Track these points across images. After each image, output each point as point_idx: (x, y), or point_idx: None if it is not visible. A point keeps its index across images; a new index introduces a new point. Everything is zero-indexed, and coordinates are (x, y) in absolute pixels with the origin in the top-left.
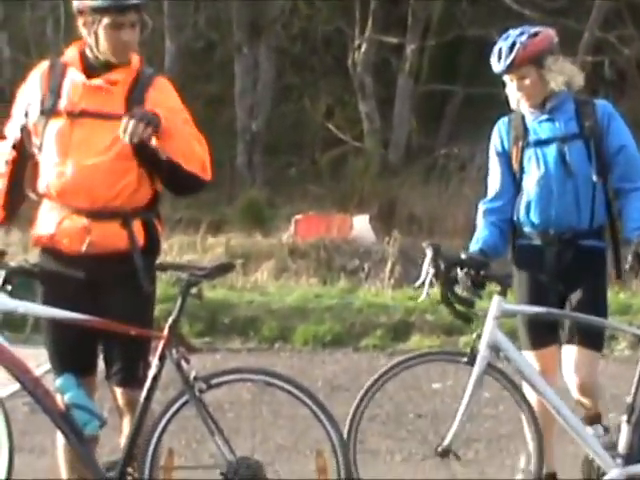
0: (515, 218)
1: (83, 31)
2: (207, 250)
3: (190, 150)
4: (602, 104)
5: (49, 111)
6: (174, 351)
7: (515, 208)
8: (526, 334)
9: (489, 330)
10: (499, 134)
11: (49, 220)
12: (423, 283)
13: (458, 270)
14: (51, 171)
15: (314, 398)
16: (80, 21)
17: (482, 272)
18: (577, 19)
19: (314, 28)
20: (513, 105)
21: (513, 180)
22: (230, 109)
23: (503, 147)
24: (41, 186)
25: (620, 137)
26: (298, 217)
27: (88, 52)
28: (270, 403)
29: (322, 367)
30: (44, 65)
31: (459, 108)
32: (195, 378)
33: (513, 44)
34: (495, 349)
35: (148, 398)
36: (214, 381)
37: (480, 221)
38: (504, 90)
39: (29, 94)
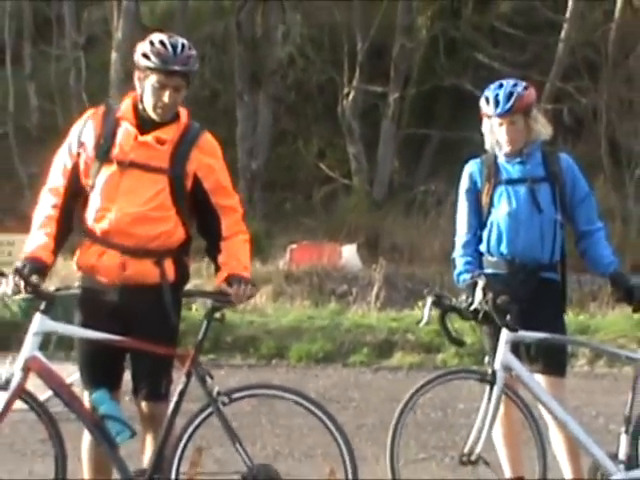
0: (484, 249)
1: (137, 84)
2: (211, 276)
3: (236, 217)
4: (565, 156)
5: (102, 157)
6: (199, 369)
7: (484, 240)
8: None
9: (502, 353)
10: (471, 172)
11: (91, 252)
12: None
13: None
14: (98, 213)
15: (324, 410)
16: (136, 74)
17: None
18: (540, 71)
19: (307, 79)
20: (488, 146)
21: (480, 216)
22: (232, 150)
23: (475, 184)
24: (87, 222)
25: (584, 186)
26: (293, 246)
27: (140, 105)
28: (268, 414)
29: (315, 381)
30: (100, 111)
31: (436, 150)
32: (218, 393)
33: (511, 93)
34: (507, 369)
35: (175, 411)
36: (235, 395)
37: (461, 253)
38: (476, 134)
39: (84, 135)
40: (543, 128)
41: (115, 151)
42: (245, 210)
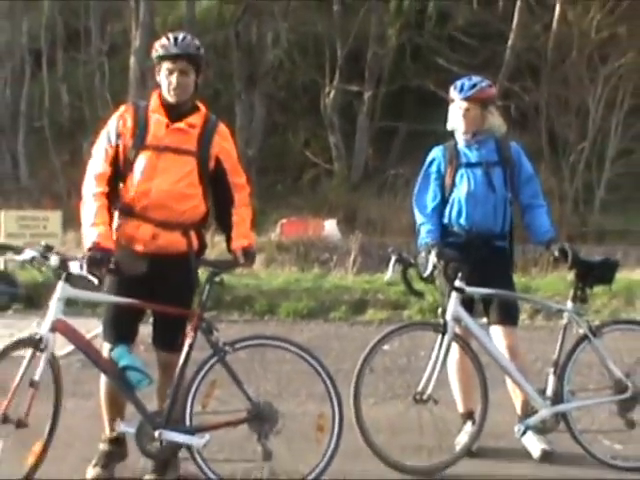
0: (446, 221)
1: (157, 79)
2: (215, 245)
3: (245, 193)
4: (514, 144)
5: (139, 145)
6: (205, 323)
7: (446, 214)
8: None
9: (452, 307)
10: (436, 157)
11: (129, 226)
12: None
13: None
14: (138, 191)
15: (314, 357)
16: (156, 69)
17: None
18: (491, 73)
19: (295, 80)
20: (449, 126)
21: (443, 193)
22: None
23: (439, 166)
24: (125, 200)
25: (529, 168)
26: (283, 221)
27: (164, 99)
28: (260, 361)
29: (300, 334)
30: (129, 107)
31: (404, 140)
32: (223, 343)
33: (474, 84)
34: (457, 321)
35: (186, 360)
36: (237, 345)
37: (424, 222)
38: (438, 126)
39: (120, 127)
40: (499, 124)
41: (150, 138)
42: None
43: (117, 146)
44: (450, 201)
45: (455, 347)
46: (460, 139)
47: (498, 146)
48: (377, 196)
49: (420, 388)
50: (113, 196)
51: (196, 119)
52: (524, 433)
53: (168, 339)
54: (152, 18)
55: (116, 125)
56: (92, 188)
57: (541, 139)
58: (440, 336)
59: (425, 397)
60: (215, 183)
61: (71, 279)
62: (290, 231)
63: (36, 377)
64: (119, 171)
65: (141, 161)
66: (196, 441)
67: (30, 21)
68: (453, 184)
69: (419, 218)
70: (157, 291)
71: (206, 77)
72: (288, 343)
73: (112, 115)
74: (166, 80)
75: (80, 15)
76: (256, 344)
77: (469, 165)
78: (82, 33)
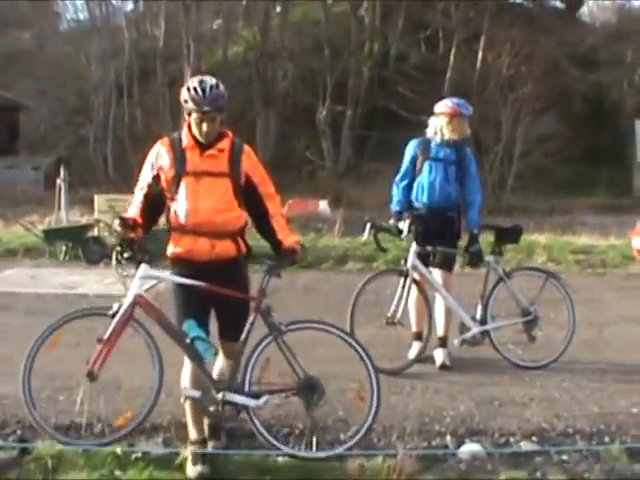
0: (413, 197)
1: (186, 117)
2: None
3: (276, 201)
4: (468, 149)
5: (180, 172)
6: (264, 307)
7: (414, 191)
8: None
9: (411, 258)
10: (413, 147)
11: (185, 242)
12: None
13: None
14: (187, 211)
15: (361, 345)
16: (184, 110)
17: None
18: (435, 98)
19: (298, 102)
20: (431, 133)
21: (413, 175)
22: (255, 145)
23: (413, 155)
24: (178, 220)
25: (474, 171)
26: (290, 202)
27: (195, 135)
28: (309, 341)
29: (300, 280)
30: (167, 141)
31: (375, 144)
32: (280, 323)
33: (467, 107)
34: (415, 268)
35: (246, 339)
36: (292, 327)
37: (397, 193)
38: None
39: (160, 159)
40: (468, 131)
41: (189, 167)
42: None
43: (158, 176)
44: (417, 183)
45: (413, 287)
46: (437, 139)
47: (457, 150)
48: (355, 183)
49: (390, 314)
50: (150, 210)
51: (224, 144)
52: (462, 345)
53: (234, 331)
54: (198, 60)
55: (155, 157)
56: (136, 195)
57: (471, 144)
58: (403, 279)
59: (395, 321)
60: (248, 196)
61: (149, 262)
62: (295, 208)
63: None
64: (159, 197)
65: (184, 187)
66: (254, 402)
67: (115, 63)
68: (421, 170)
69: (394, 191)
70: (218, 293)
71: (236, 101)
72: (334, 328)
73: (164, 137)
74: (197, 127)
75: (149, 59)
76: (307, 327)
77: (434, 159)
78: (151, 71)
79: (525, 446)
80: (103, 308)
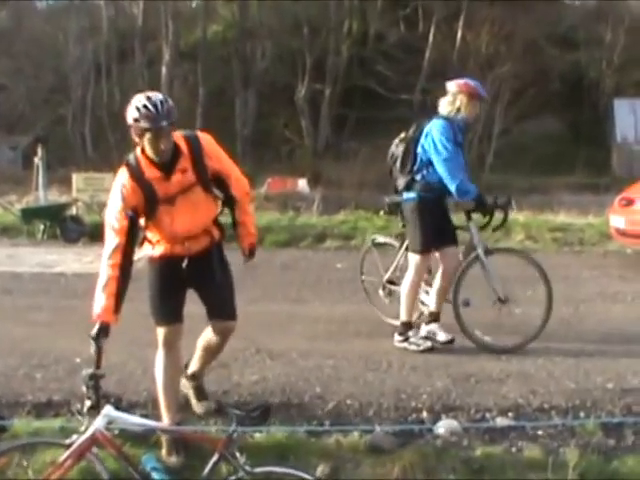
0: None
1: (136, 140)
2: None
3: (242, 184)
4: None
5: (153, 202)
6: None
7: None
8: None
9: (477, 238)
10: (449, 129)
11: (162, 246)
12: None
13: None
14: (166, 234)
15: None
16: (133, 132)
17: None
18: (414, 76)
19: (277, 81)
20: (445, 112)
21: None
22: (233, 123)
23: (454, 134)
24: (157, 236)
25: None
26: (269, 180)
27: (150, 156)
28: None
29: (280, 257)
30: (127, 174)
31: (353, 123)
32: (245, 463)
33: (480, 85)
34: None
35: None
36: (257, 470)
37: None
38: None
39: (127, 199)
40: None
41: (160, 195)
42: (240, 160)
43: (129, 216)
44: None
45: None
46: (461, 122)
47: (465, 133)
48: (334, 162)
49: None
50: (129, 264)
51: (184, 160)
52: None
53: (226, 306)
54: (177, 39)
55: (122, 197)
56: (108, 257)
57: None
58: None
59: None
60: (216, 183)
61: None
62: (274, 187)
63: None
64: (135, 229)
65: (160, 213)
66: None
67: (93, 42)
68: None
69: (465, 186)
70: (201, 281)
71: (215, 79)
72: (301, 472)
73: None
74: (152, 146)
75: (128, 38)
76: (272, 472)
77: (458, 144)
78: (129, 50)
79: (501, 422)
80: (57, 438)
